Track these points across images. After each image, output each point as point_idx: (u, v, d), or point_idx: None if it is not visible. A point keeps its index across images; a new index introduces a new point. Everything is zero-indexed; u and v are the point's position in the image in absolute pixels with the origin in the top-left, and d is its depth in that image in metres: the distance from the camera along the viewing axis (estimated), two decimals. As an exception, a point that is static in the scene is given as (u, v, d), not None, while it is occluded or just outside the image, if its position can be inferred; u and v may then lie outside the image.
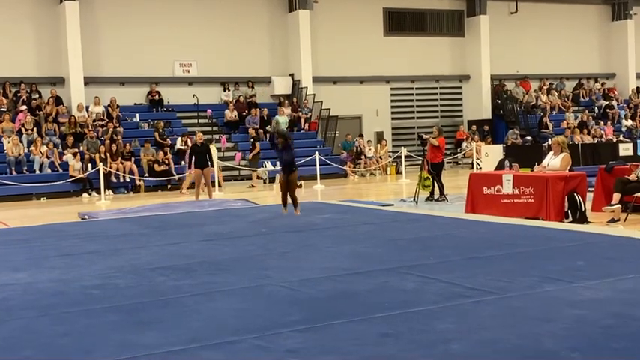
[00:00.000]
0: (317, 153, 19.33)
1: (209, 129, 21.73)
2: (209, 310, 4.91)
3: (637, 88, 28.66)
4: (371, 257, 6.73)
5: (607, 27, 28.67)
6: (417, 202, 13.15)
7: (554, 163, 10.76)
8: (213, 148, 17.09)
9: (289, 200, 10.57)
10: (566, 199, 10.09)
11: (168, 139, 20.36)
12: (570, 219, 9.95)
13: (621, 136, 24.86)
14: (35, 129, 19.33)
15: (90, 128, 19.73)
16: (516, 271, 5.74)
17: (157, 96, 22.14)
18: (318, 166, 18.89)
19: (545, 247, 6.99)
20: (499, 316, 4.45)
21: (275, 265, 6.46)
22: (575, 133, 23.33)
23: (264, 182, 20.29)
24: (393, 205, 12.70)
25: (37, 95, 20.49)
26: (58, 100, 20.61)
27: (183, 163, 19.45)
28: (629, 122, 26.42)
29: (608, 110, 26.84)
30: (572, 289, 5.08)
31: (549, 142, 13.43)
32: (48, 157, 18.52)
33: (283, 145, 10.50)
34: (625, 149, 19.30)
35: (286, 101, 23.20)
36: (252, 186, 19.31)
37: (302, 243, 7.89)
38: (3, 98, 19.97)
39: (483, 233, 8.12)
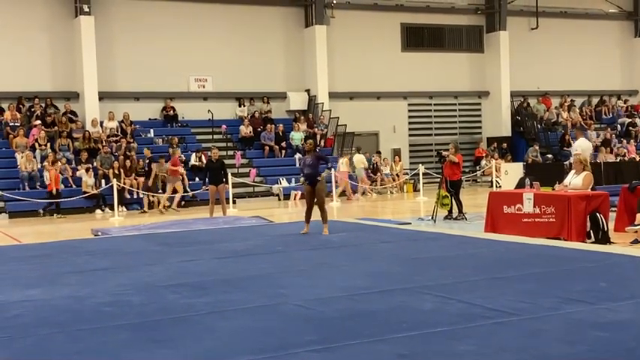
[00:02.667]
0: (333, 170, 19.34)
1: (224, 145, 21.82)
2: (223, 329, 4.91)
3: (661, 105, 28.48)
4: (388, 276, 6.72)
5: (630, 43, 28.59)
6: (435, 221, 13.09)
7: (576, 181, 10.70)
8: None
9: (314, 216, 10.47)
10: (588, 218, 10.01)
11: (182, 155, 20.44)
12: (592, 239, 9.87)
13: (645, 154, 24.67)
14: (49, 145, 19.49)
15: (104, 144, 19.88)
16: (537, 292, 5.70)
17: (171, 111, 22.28)
18: (334, 183, 18.90)
19: (567, 267, 6.94)
20: (520, 339, 4.42)
21: (290, 284, 6.46)
22: (598, 151, 23.19)
23: (279, 199, 20.32)
24: (410, 223, 12.66)
25: (52, 110, 20.67)
26: (73, 115, 20.79)
27: (197, 179, 19.56)
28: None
29: (631, 128, 26.67)
30: (595, 310, 5.04)
31: (571, 160, 13.39)
32: (62, 173, 18.65)
33: (309, 149, 10.48)
34: (649, 168, 19.13)
35: (302, 117, 23.28)
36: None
37: (318, 261, 7.89)
38: (17, 113, 20.18)
39: (503, 253, 8.08)
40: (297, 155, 21.93)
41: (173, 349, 4.40)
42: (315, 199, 10.43)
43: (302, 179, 11.05)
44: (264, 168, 21.49)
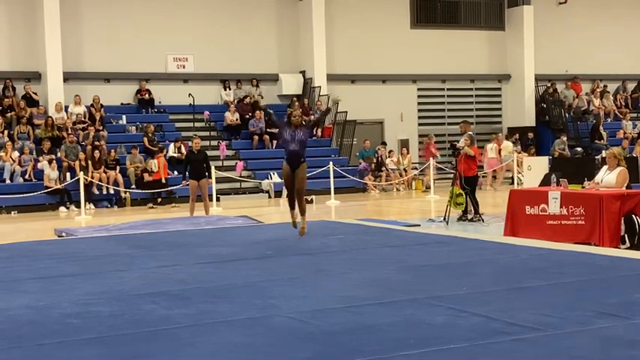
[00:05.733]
0: (331, 163, 19.37)
1: (206, 133, 21.84)
2: (206, 344, 4.93)
3: None
4: (393, 285, 6.75)
5: (672, 20, 28.64)
6: (447, 222, 13.14)
7: (609, 178, 10.73)
8: None
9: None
10: (622, 221, 10.06)
11: (159, 145, 20.48)
12: (627, 244, 9.92)
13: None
14: (6, 132, 19.47)
15: (69, 131, 19.86)
16: (565, 304, 5.74)
17: (146, 95, 22.29)
18: (332, 179, 18.93)
19: (599, 276, 6.98)
20: (544, 357, 4.45)
21: (282, 294, 6.48)
22: (635, 144, 23.25)
23: (269, 197, 20.36)
24: (419, 225, 12.70)
25: (11, 93, 20.61)
26: (33, 99, 20.77)
27: (176, 172, 19.56)
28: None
29: (673, 118, 26.79)
30: (630, 326, 5.07)
31: (603, 154, 13.42)
32: (20, 165, 18.66)
33: (297, 122, 9.83)
34: (692, 163, 19.19)
35: (297, 103, 23.29)
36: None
37: (313, 268, 7.91)
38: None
39: (525, 260, 8.11)
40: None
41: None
42: (295, 185, 9.89)
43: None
44: (253, 161, 21.54)
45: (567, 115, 25.92)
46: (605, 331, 4.97)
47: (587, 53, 27.05)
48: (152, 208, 18.23)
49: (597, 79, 27.62)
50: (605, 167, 11.09)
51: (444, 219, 13.34)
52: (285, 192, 20.09)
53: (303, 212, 10.08)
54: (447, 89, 26.09)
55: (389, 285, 6.79)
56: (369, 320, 5.44)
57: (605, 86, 27.59)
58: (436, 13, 25.84)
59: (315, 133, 10.13)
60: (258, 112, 22.33)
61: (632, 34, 27.82)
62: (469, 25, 26.18)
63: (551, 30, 26.52)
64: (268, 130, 21.93)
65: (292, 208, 10.13)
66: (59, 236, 12.41)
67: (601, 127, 24.89)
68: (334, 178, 19.06)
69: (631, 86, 28.29)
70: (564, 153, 23.23)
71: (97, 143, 19.54)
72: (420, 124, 25.68)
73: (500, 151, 22.37)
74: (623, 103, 27.51)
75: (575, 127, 25.37)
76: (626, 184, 10.72)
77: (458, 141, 14.54)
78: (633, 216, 10.04)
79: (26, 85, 20.98)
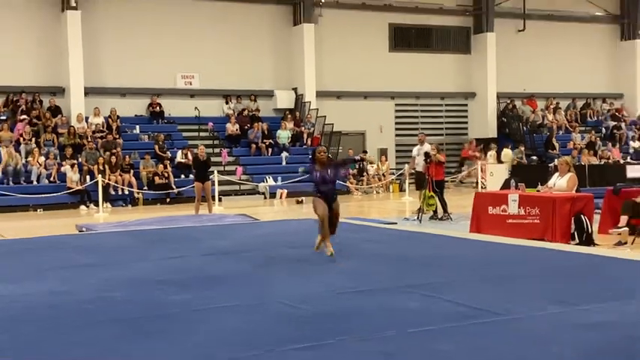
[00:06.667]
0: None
1: (210, 142, 21.74)
2: (207, 326, 4.89)
3: (645, 109, 28.70)
4: (374, 276, 6.72)
5: (615, 46, 28.76)
6: (420, 221, 13.13)
7: (560, 183, 10.75)
8: None
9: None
10: (572, 220, 10.07)
11: (168, 152, 20.40)
12: (577, 241, 9.93)
13: (629, 157, 24.84)
14: (34, 139, 19.36)
15: (89, 139, 19.75)
16: (522, 292, 5.73)
17: (157, 108, 22.19)
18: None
19: (551, 268, 6.98)
20: (503, 338, 4.44)
21: (275, 282, 6.44)
22: (582, 153, 23.33)
23: (265, 197, 20.29)
24: (396, 223, 12.68)
25: (38, 105, 20.52)
26: (57, 110, 20.66)
27: (183, 176, 19.51)
28: (637, 144, 26.42)
29: (615, 131, 26.86)
30: (578, 311, 5.07)
31: (556, 162, 13.47)
32: (46, 168, 18.54)
33: (322, 160, 8.33)
34: (633, 171, 19.25)
35: (289, 115, 23.25)
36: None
37: (303, 260, 7.87)
38: (1, 107, 20.06)
39: (488, 253, 8.11)
40: (284, 154, 21.94)
41: (157, 347, 4.37)
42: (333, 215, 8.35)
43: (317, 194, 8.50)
44: (251, 166, 21.46)
45: (525, 128, 25.97)
46: (557, 316, 4.96)
47: (542, 74, 27.13)
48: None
49: (551, 97, 27.69)
50: (557, 173, 11.11)
51: (418, 218, 13.33)
52: (280, 195, 20.19)
53: (333, 232, 8.42)
54: (421, 105, 26.07)
55: (369, 275, 6.76)
56: (351, 305, 5.41)
57: (557, 103, 27.67)
58: (411, 38, 25.86)
59: (343, 170, 7.51)
60: (255, 123, 22.29)
61: (581, 59, 27.94)
62: (440, 50, 26.20)
63: (511, 54, 26.58)
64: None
65: (324, 238, 8.27)
66: (80, 231, 12.32)
67: (554, 139, 24.94)
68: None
69: (580, 103, 28.40)
70: (522, 161, 23.28)
71: (113, 150, 19.44)
72: (396, 135, 25.66)
73: (498, 157, 22.07)
74: (573, 118, 27.61)
75: (531, 139, 25.41)
76: (575, 188, 10.75)
77: (425, 151, 14.35)
78: (582, 216, 10.06)
79: (51, 98, 20.87)
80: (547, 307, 5.18)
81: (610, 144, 25.77)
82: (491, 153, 22.25)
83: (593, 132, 26.20)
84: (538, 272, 6.74)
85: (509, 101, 26.60)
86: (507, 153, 22.45)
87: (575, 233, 10.02)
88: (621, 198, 10.66)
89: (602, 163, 22.98)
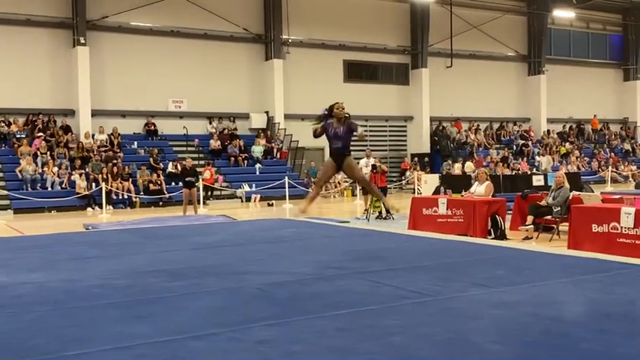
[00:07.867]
0: (287, 177, 19.33)
1: (196, 155, 21.59)
2: (194, 307, 4.86)
3: (547, 130, 29.34)
4: (330, 265, 6.74)
5: (524, 80, 29.39)
6: (368, 220, 13.21)
7: (479, 190, 10.94)
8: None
9: (373, 204, 6.62)
10: (489, 219, 10.25)
11: (161, 164, 20.20)
12: (493, 236, 10.11)
13: (534, 169, 25.36)
14: (48, 153, 19.04)
15: (95, 153, 19.48)
16: (449, 277, 5.80)
17: (152, 127, 21.97)
18: (287, 189, 18.88)
19: (472, 258, 7.07)
20: (435, 315, 4.50)
21: (250, 271, 6.42)
22: (497, 166, 23.73)
23: (242, 201, 20.21)
24: (349, 222, 12.73)
25: (52, 125, 20.25)
26: (69, 129, 20.36)
27: (173, 183, 19.35)
28: (542, 158, 27.00)
29: (524, 148, 27.41)
30: (494, 293, 5.15)
31: (476, 173, 13.71)
32: (59, 177, 18.23)
33: (340, 115, 6.96)
34: (537, 180, 19.61)
35: (262, 134, 23.22)
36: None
37: (273, 252, 7.86)
38: (23, 126, 19.73)
39: (422, 246, 8.18)
40: (258, 165, 21.90)
41: (152, 324, 4.34)
42: (352, 179, 6.45)
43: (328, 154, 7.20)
44: (230, 175, 21.37)
45: (452, 145, 26.34)
46: (477, 297, 5.03)
47: (466, 102, 27.58)
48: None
49: (473, 120, 28.15)
50: (477, 182, 11.30)
51: (366, 217, 13.41)
52: (254, 199, 20.12)
53: (379, 197, 6.94)
54: (370, 126, 26.23)
55: (327, 264, 6.78)
56: (312, 289, 5.42)
57: (478, 125, 28.14)
58: (361, 72, 26.07)
59: (352, 128, 7.08)
60: (234, 140, 22.19)
61: (497, 90, 28.47)
62: (384, 81, 26.46)
63: (441, 85, 26.96)
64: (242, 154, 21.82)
65: (313, 197, 7.14)
66: (87, 229, 12.12)
67: (475, 154, 25.33)
68: (289, 188, 19.01)
69: (496, 125, 28.92)
70: (450, 172, 23.53)
71: (115, 162, 19.18)
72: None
73: (462, 168, 21.94)
74: (490, 137, 28.10)
75: (457, 154, 25.78)
76: (491, 194, 10.95)
77: (372, 163, 14.67)
78: (497, 216, 10.25)
79: (63, 119, 20.58)
80: (470, 289, 5.26)
81: (520, 158, 26.26)
82: (458, 165, 22.28)
83: (506, 148, 26.70)
84: (462, 261, 6.83)
85: (439, 123, 26.95)
86: (469, 165, 22.60)
87: (492, 230, 10.20)
88: (528, 202, 10.90)
89: (514, 173, 23.36)
